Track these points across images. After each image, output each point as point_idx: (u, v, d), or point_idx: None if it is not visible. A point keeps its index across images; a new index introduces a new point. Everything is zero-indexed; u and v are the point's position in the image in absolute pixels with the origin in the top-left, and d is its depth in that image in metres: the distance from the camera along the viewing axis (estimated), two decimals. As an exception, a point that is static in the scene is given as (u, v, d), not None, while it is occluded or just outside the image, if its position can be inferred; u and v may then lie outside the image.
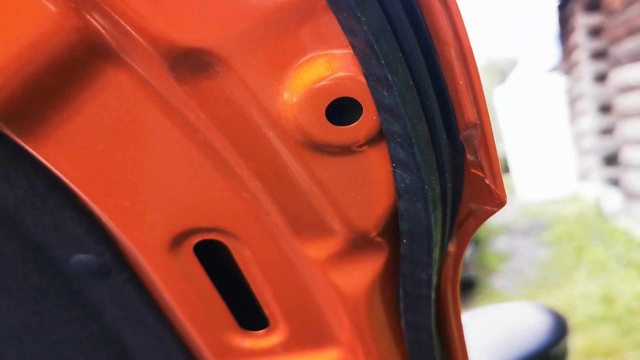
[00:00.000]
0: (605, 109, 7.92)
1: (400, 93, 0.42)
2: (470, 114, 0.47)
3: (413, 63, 0.44)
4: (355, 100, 0.43)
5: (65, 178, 0.50)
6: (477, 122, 0.47)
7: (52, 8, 0.40)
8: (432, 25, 0.44)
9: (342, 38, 0.41)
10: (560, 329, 1.67)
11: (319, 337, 0.63)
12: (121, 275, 0.62)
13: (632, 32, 6.32)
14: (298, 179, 0.48)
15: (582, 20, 8.00)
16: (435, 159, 0.47)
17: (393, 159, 0.45)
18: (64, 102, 0.44)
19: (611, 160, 7.95)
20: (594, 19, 7.80)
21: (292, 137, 0.44)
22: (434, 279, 0.56)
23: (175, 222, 0.52)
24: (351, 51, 0.41)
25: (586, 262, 6.39)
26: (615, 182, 7.81)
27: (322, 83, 0.42)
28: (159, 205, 0.51)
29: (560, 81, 10.46)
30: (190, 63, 0.42)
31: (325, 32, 0.41)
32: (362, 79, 0.42)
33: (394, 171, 0.46)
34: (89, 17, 0.41)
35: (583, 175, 9.87)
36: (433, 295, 0.57)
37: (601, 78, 7.88)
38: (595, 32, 7.83)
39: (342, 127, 0.43)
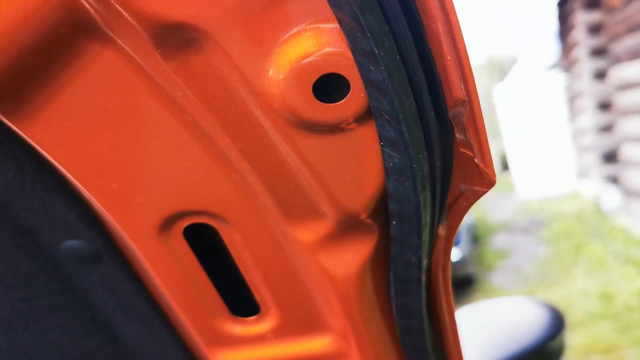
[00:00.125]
0: (605, 106, 7.92)
1: (387, 67, 0.41)
2: (458, 91, 0.46)
3: (400, 37, 0.43)
4: (343, 77, 0.42)
5: (53, 160, 0.49)
6: (465, 99, 0.46)
7: None
8: None
9: (329, 11, 0.41)
10: (557, 323, 1.67)
11: (310, 324, 0.62)
12: (112, 262, 0.61)
13: (632, 29, 6.31)
14: (286, 159, 0.47)
15: (582, 18, 7.99)
16: (423, 137, 0.47)
17: (381, 137, 0.45)
18: (50, 80, 0.44)
19: (610, 157, 7.95)
20: (593, 17, 7.80)
21: (280, 115, 0.44)
22: (424, 262, 0.55)
23: (164, 205, 0.52)
24: (338, 26, 0.41)
25: (585, 259, 6.40)
26: (614, 180, 7.81)
27: (309, 59, 0.41)
28: (148, 187, 0.51)
29: (559, 79, 10.46)
30: (176, 38, 0.42)
31: (311, 5, 0.40)
32: (349, 54, 0.41)
33: (382, 150, 0.46)
34: None
35: (582, 173, 9.87)
36: (424, 278, 0.57)
37: (601, 75, 7.87)
38: (594, 29, 7.82)
39: (330, 104, 0.43)
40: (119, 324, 0.68)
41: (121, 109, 0.46)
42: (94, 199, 0.52)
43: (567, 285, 5.73)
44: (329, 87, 0.43)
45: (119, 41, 0.43)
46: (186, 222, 0.54)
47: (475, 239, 7.69)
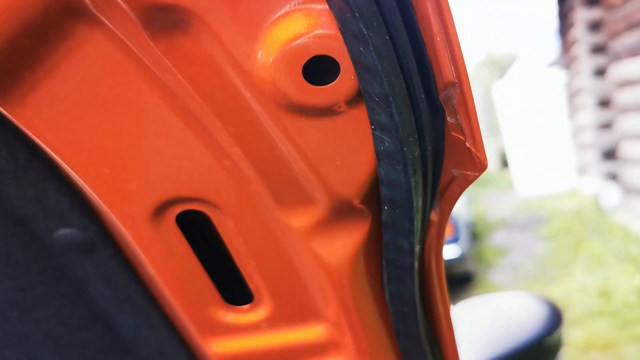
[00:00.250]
0: (604, 103, 7.92)
1: (376, 48, 0.41)
2: (449, 73, 0.46)
3: (389, 17, 0.43)
4: (333, 59, 0.42)
5: (44, 145, 0.49)
6: (456, 81, 0.46)
7: None
8: None
9: None
10: (555, 318, 1.66)
11: (304, 313, 0.62)
12: (106, 251, 0.61)
13: (632, 26, 6.31)
14: (277, 143, 0.47)
15: (582, 15, 7.98)
16: (414, 120, 0.47)
17: (372, 120, 0.45)
18: (39, 63, 0.44)
19: (610, 155, 7.95)
20: (593, 14, 7.79)
21: (270, 98, 0.44)
22: (417, 248, 0.55)
23: (156, 192, 0.52)
24: (327, 6, 0.41)
25: (584, 256, 6.40)
26: (613, 177, 7.82)
27: (298, 41, 0.41)
28: (140, 173, 0.50)
29: (559, 76, 10.46)
30: (164, 20, 0.41)
31: None
32: (340, 36, 0.41)
33: (373, 134, 0.45)
34: None
35: (581, 170, 9.87)
36: (416, 265, 0.57)
37: (600, 73, 7.87)
38: (594, 26, 7.82)
39: (320, 87, 0.42)
40: (114, 314, 0.68)
41: (111, 93, 0.46)
42: (86, 186, 0.52)
43: (566, 282, 5.73)
44: (319, 69, 0.43)
45: (108, 23, 0.42)
46: (179, 209, 0.54)
47: (475, 236, 7.69)
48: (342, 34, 0.41)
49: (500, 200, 10.89)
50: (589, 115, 8.36)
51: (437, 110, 0.49)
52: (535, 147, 11.03)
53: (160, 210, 0.53)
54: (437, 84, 0.47)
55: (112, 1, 0.40)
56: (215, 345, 0.65)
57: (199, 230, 0.61)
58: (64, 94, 0.45)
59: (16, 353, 0.72)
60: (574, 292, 5.44)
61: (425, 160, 0.50)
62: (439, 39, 0.44)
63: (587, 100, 8.35)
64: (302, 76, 0.42)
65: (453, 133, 0.49)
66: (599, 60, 7.82)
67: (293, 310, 0.62)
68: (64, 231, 0.59)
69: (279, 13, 0.41)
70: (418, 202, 0.50)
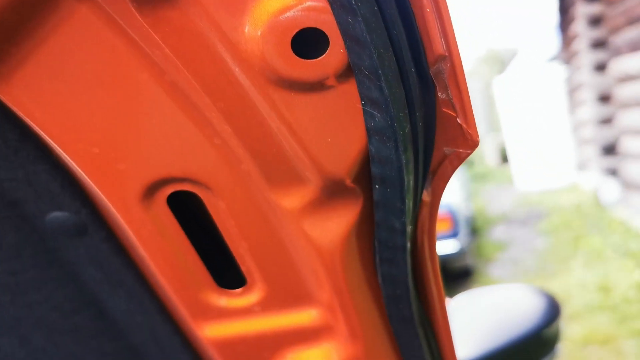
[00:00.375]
0: (605, 99, 7.91)
1: (365, 19, 0.41)
2: (439, 46, 0.45)
3: None
4: (323, 33, 0.42)
5: (33, 124, 0.48)
6: (446, 54, 0.45)
7: None
8: None
9: None
10: (553, 310, 1.66)
11: (297, 296, 0.62)
12: (98, 234, 0.61)
13: (632, 21, 6.29)
14: (267, 120, 0.46)
15: (582, 10, 7.97)
16: (404, 94, 0.46)
17: (362, 95, 0.44)
18: (26, 38, 0.43)
19: (610, 150, 7.94)
20: (594, 8, 7.77)
21: (259, 72, 0.43)
22: (409, 228, 0.55)
23: (146, 171, 0.51)
24: None
25: (583, 251, 6.41)
26: (613, 172, 7.81)
27: (287, 14, 0.41)
28: (129, 152, 0.50)
29: (559, 71, 10.45)
30: None
31: None
32: (329, 9, 0.41)
33: (363, 109, 0.45)
34: None
35: (581, 165, 9.87)
36: (409, 246, 0.56)
37: (601, 68, 7.86)
38: (595, 21, 7.80)
39: (309, 60, 0.42)
40: (106, 298, 0.68)
41: (99, 69, 0.45)
42: (77, 167, 0.52)
43: (566, 277, 5.74)
44: (308, 43, 0.42)
45: None
46: (169, 190, 0.53)
47: (474, 230, 7.69)
48: (331, 5, 0.41)
49: (500, 195, 10.89)
50: (589, 110, 8.35)
51: (427, 85, 0.48)
52: (535, 142, 11.03)
53: (150, 190, 0.53)
54: (427, 57, 0.46)
55: None
56: (208, 330, 0.65)
57: (191, 213, 0.61)
58: (52, 70, 0.45)
59: (9, 337, 0.72)
60: (574, 287, 5.44)
61: (417, 137, 0.49)
62: (428, 10, 0.44)
63: (588, 96, 8.34)
64: (290, 49, 0.41)
65: (444, 109, 0.49)
66: (600, 55, 7.81)
67: (286, 293, 0.61)
68: (56, 214, 0.59)
69: None
70: (409, 180, 0.50)
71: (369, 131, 0.46)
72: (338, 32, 0.41)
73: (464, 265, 6.01)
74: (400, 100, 0.45)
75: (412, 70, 0.47)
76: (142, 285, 0.66)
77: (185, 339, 0.71)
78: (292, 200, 0.52)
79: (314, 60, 0.42)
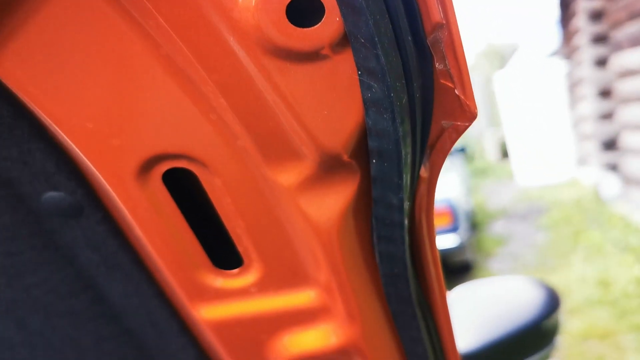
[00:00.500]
0: (605, 94, 7.90)
1: None
2: (436, 14, 0.45)
3: None
4: (319, 2, 0.41)
5: (26, 98, 0.48)
6: (444, 22, 0.45)
7: None
8: None
9: None
10: (552, 302, 1.66)
11: (294, 277, 0.61)
12: (94, 216, 0.60)
13: (633, 16, 6.28)
14: (263, 92, 0.46)
15: (583, 4, 7.95)
16: (401, 64, 0.46)
17: (358, 64, 0.44)
18: (17, 8, 0.43)
19: (610, 145, 7.93)
20: (595, 3, 7.75)
21: (254, 41, 0.42)
22: (407, 204, 0.54)
23: (141, 147, 0.51)
24: None
25: (583, 246, 6.41)
26: (613, 167, 7.81)
27: None
28: (124, 127, 0.49)
29: (560, 66, 10.43)
30: None
31: None
32: None
33: (360, 80, 0.44)
34: None
35: (582, 160, 9.87)
36: (406, 223, 0.56)
37: (601, 63, 7.84)
38: (596, 16, 7.78)
39: (304, 29, 0.42)
40: (103, 281, 0.68)
41: (92, 41, 0.45)
42: (71, 144, 0.51)
43: (566, 272, 5.74)
44: (304, 13, 0.42)
45: None
46: (165, 167, 0.53)
47: (474, 225, 7.69)
48: None
49: (500, 190, 10.89)
50: (590, 105, 8.34)
51: (424, 54, 0.48)
52: (536, 138, 11.02)
53: (146, 167, 0.52)
54: (424, 25, 0.46)
55: None
56: (205, 311, 0.64)
57: (187, 193, 0.60)
58: (44, 41, 0.44)
59: (5, 320, 0.71)
60: (573, 281, 5.45)
61: (414, 110, 0.49)
62: None
63: (588, 91, 8.32)
64: (285, 17, 0.41)
65: (442, 80, 0.48)
66: (600, 50, 7.79)
67: (283, 274, 0.61)
68: (51, 194, 0.59)
69: None
70: (407, 154, 0.49)
71: (366, 103, 0.45)
72: (334, 0, 0.41)
73: (464, 260, 6.02)
74: (397, 70, 0.45)
75: (409, 39, 0.46)
76: (139, 268, 0.66)
77: (183, 322, 0.71)
78: (288, 176, 0.51)
79: (309, 28, 0.42)
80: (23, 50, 0.45)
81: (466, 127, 0.49)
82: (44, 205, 0.59)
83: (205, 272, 0.61)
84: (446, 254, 5.60)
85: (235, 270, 0.62)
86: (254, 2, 0.41)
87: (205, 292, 0.62)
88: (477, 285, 1.90)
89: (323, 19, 0.42)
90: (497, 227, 8.02)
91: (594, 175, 8.60)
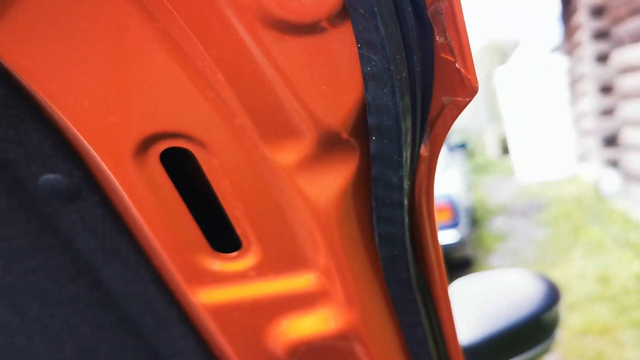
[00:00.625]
0: (606, 89, 7.88)
1: None
2: None
3: None
4: None
5: (21, 75, 0.47)
6: None
7: None
8: None
9: None
10: (552, 295, 1.66)
11: (292, 261, 0.61)
12: (92, 199, 0.60)
13: (635, 12, 6.26)
14: (261, 67, 0.45)
15: (585, 0, 7.93)
16: (401, 36, 0.45)
17: (357, 36, 0.43)
18: None
19: (611, 141, 7.93)
20: (596, -1, 7.74)
21: (251, 13, 0.42)
22: (406, 183, 0.53)
23: (138, 126, 0.50)
24: None
25: (583, 242, 6.41)
26: (614, 163, 7.80)
27: None
28: (121, 105, 0.49)
29: (561, 62, 10.42)
30: None
31: None
32: None
33: (359, 53, 0.44)
34: None
35: (582, 157, 9.86)
36: (406, 203, 0.55)
37: (603, 59, 7.83)
38: (597, 12, 7.76)
39: (302, 0, 0.41)
40: (101, 267, 0.67)
41: (87, 15, 0.44)
42: (68, 124, 0.50)
43: (565, 268, 5.74)
44: None
45: None
46: (162, 146, 0.52)
47: (474, 221, 7.70)
48: None
49: (501, 186, 10.89)
50: (591, 101, 8.32)
51: (425, 27, 0.47)
52: (536, 134, 11.02)
53: (143, 146, 0.51)
54: None
55: None
56: (203, 296, 0.64)
57: (186, 176, 0.60)
58: (39, 16, 0.44)
59: (3, 306, 0.71)
60: (573, 277, 5.45)
61: (414, 84, 0.48)
62: None
63: (589, 87, 8.31)
64: None
65: (442, 54, 0.48)
66: (602, 46, 7.78)
67: (281, 257, 0.60)
68: (48, 177, 0.58)
69: None
70: (407, 130, 0.49)
71: (365, 77, 0.45)
72: None
73: (464, 256, 6.02)
74: (397, 42, 0.44)
75: (409, 10, 0.45)
76: (137, 254, 0.65)
77: (182, 310, 0.71)
78: (287, 155, 0.51)
79: (307, 0, 0.41)
80: (18, 25, 0.44)
81: (467, 103, 0.48)
82: (41, 188, 0.59)
83: (204, 255, 0.61)
84: (446, 250, 5.60)
85: (234, 254, 0.61)
86: None
87: (204, 275, 0.62)
88: (477, 278, 1.90)
89: None
90: (498, 223, 8.02)
91: (595, 172, 8.59)
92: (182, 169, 0.59)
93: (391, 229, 0.56)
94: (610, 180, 7.74)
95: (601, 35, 7.74)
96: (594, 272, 5.44)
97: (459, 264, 6.08)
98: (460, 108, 0.50)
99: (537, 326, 1.59)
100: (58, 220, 0.62)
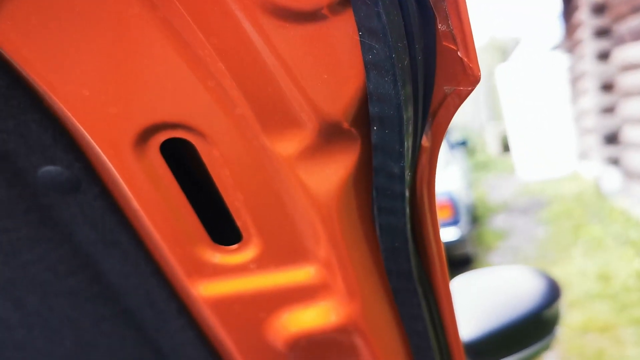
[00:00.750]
0: (607, 87, 7.88)
1: None
2: None
3: None
4: None
5: (20, 63, 0.47)
6: None
7: None
8: None
9: None
10: (553, 292, 1.66)
11: (293, 253, 0.60)
12: (91, 191, 0.60)
13: (636, 9, 6.25)
14: (262, 55, 0.45)
15: (586, -2, 7.93)
16: (403, 24, 0.44)
17: (358, 24, 0.43)
18: None
19: (611, 139, 7.92)
20: (598, -4, 7.73)
21: (252, 1, 0.41)
22: (408, 174, 0.53)
23: (139, 115, 0.50)
24: None
25: (584, 240, 6.41)
26: (615, 161, 7.80)
27: None
28: (121, 95, 0.48)
29: (562, 59, 10.41)
30: None
31: None
32: None
33: (360, 41, 0.43)
34: None
35: (583, 154, 9.85)
36: (407, 194, 0.55)
37: (604, 56, 7.82)
38: (598, 9, 7.75)
39: None
40: (101, 259, 0.67)
41: (87, 4, 0.44)
42: (68, 115, 0.50)
43: (566, 266, 5.75)
44: None
45: None
46: (162, 137, 0.52)
47: (475, 219, 7.69)
48: None
49: (501, 184, 10.89)
50: (591, 99, 8.32)
51: (427, 14, 0.47)
52: (537, 131, 11.02)
53: (143, 137, 0.51)
54: None
55: None
56: (203, 288, 0.64)
57: (186, 167, 0.59)
58: (39, 6, 0.43)
59: (3, 299, 0.70)
60: (574, 275, 5.45)
61: (416, 73, 0.47)
62: None
63: (590, 84, 8.31)
64: None
65: (444, 43, 0.47)
66: (603, 43, 7.77)
67: (282, 250, 0.60)
68: (48, 168, 0.58)
69: None
70: (409, 120, 0.48)
71: (367, 65, 0.44)
72: None
73: (465, 253, 6.02)
74: (398, 30, 0.44)
75: None
76: (137, 246, 0.65)
77: (182, 302, 0.70)
78: (287, 146, 0.50)
79: None
80: (18, 15, 0.44)
81: (469, 92, 0.48)
82: (41, 179, 0.58)
83: (204, 248, 0.61)
84: (447, 247, 5.60)
85: (234, 246, 0.61)
86: None
87: (204, 268, 0.62)
88: (478, 274, 1.90)
89: None
90: (498, 221, 8.02)
91: (595, 169, 8.59)
92: (182, 160, 0.59)
93: (392, 220, 0.56)
94: (611, 178, 7.74)
95: (602, 32, 7.74)
96: (595, 270, 5.44)
97: (460, 261, 6.08)
98: (462, 97, 0.49)
99: (538, 323, 1.58)
100: (58, 212, 0.62)
